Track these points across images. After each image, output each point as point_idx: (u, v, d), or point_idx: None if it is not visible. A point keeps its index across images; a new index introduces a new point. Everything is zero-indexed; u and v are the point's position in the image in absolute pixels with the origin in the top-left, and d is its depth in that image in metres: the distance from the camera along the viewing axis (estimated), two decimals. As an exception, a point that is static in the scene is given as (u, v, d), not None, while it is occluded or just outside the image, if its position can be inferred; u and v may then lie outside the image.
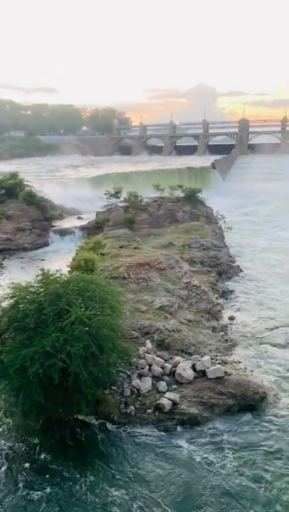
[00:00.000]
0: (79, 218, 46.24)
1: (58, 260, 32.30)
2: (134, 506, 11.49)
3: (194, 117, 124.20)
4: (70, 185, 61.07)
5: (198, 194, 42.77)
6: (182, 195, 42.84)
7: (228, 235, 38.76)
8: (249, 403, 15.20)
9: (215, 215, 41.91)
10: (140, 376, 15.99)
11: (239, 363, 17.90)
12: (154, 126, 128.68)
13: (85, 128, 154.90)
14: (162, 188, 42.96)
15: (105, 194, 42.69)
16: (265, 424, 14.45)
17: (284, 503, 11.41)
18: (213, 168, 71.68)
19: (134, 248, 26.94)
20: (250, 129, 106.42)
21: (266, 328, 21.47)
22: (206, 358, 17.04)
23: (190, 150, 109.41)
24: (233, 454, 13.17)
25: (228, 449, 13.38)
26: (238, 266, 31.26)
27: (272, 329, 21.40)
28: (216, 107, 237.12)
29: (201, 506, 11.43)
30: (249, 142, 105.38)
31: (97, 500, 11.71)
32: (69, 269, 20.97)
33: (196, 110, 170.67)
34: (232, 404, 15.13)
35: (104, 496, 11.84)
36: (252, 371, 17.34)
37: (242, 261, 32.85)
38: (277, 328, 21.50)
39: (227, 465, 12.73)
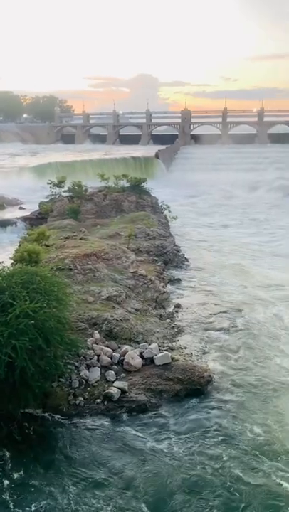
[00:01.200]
0: (21, 209, 44.81)
1: (0, 253, 31.23)
2: (86, 497, 11.53)
3: (137, 107, 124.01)
4: (10, 174, 58.93)
5: (143, 184, 43.00)
6: (127, 185, 42.88)
7: (173, 225, 39.43)
8: (196, 387, 15.68)
9: (160, 204, 42.45)
10: (88, 367, 15.98)
11: (185, 348, 18.38)
12: (97, 114, 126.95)
13: (25, 115, 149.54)
14: (107, 178, 42.69)
15: (48, 184, 41.74)
16: (211, 407, 14.99)
17: (229, 485, 11.85)
18: (157, 158, 72.18)
19: (80, 239, 26.64)
20: (193, 120, 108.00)
21: (211, 314, 22.17)
22: (154, 345, 17.33)
23: (134, 139, 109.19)
24: (180, 438, 13.54)
25: (176, 433, 13.74)
26: (184, 255, 31.89)
27: (216, 314, 22.13)
28: (158, 96, 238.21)
29: (151, 493, 11.67)
30: (191, 133, 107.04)
31: (47, 492, 11.62)
32: (12, 261, 20.38)
33: (138, 99, 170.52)
34: (179, 390, 15.54)
35: (55, 487, 11.77)
36: (198, 356, 17.89)
37: (187, 250, 33.52)
38: (222, 313, 22.26)
39: (175, 450, 13.06)
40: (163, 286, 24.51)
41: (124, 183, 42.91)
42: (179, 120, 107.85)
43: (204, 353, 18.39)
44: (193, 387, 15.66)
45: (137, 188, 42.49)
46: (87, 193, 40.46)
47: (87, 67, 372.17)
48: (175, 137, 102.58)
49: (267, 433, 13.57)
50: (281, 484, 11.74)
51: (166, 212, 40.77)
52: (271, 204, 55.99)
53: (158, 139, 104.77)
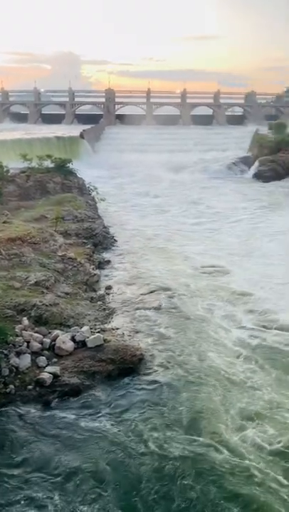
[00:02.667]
0: None
1: None
2: (23, 488, 11.33)
3: (59, 85, 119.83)
4: None
5: (68, 165, 41.90)
6: (52, 165, 41.52)
7: (101, 206, 39.09)
8: (128, 366, 15.95)
9: (87, 186, 41.72)
10: (18, 354, 15.55)
11: (117, 329, 18.56)
12: (17, 92, 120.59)
13: None
14: (30, 158, 40.93)
15: None
16: (143, 384, 15.36)
17: (158, 455, 12.30)
18: (82, 138, 70.60)
19: (3, 222, 25.46)
20: (117, 100, 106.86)
21: (141, 294, 22.52)
22: (85, 328, 17.27)
23: (57, 119, 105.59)
24: (113, 417, 13.75)
25: (109, 413, 13.94)
26: (113, 236, 31.87)
27: (146, 294, 22.52)
28: (80, 74, 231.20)
29: (85, 473, 11.76)
30: (116, 113, 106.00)
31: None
32: None
33: (60, 77, 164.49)
34: (112, 370, 15.72)
35: (-12, 480, 11.43)
36: (130, 336, 18.15)
37: (116, 231, 33.52)
38: (151, 293, 22.70)
39: (108, 429, 13.25)
40: (93, 269, 24.36)
41: (48, 163, 41.47)
42: (103, 99, 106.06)
43: (136, 332, 18.70)
44: (126, 367, 15.92)
45: (62, 168, 41.29)
46: (9, 174, 38.55)
47: (6, 42, 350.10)
48: (100, 117, 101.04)
49: (193, 407, 14.13)
50: (202, 454, 12.28)
51: (93, 193, 40.23)
52: (197, 185, 57.42)
53: (82, 119, 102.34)
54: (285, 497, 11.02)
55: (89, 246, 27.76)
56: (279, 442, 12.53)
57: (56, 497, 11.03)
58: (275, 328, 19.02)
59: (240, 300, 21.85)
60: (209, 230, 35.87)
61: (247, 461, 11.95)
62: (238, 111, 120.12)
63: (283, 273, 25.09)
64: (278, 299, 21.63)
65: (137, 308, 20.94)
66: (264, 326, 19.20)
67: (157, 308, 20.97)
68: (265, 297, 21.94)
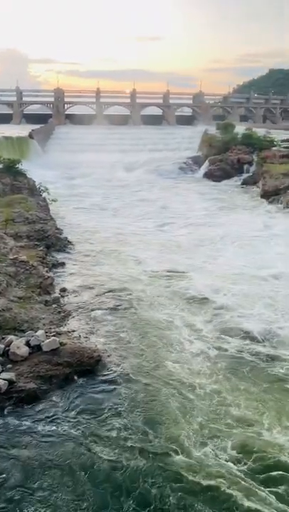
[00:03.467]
0: None
1: None
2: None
3: (6, 83, 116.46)
4: None
5: (17, 165, 40.93)
6: (0, 166, 40.39)
7: (53, 207, 38.51)
8: (86, 368, 15.83)
9: (38, 186, 40.95)
10: None
11: (74, 331, 18.36)
12: None
13: None
14: (-24, 160, 39.61)
15: None
16: (101, 385, 15.29)
17: (113, 457, 12.22)
18: (31, 138, 69.10)
19: None
20: (66, 99, 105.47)
21: (96, 296, 22.40)
22: (40, 332, 16.95)
23: (4, 118, 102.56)
24: (71, 420, 13.57)
25: (67, 416, 13.73)
26: (66, 238, 31.45)
27: (102, 295, 22.44)
28: (28, 74, 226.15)
29: (44, 483, 11.53)
30: (66, 112, 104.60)
31: None
32: None
33: (6, 76, 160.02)
34: (69, 373, 15.53)
35: None
36: (86, 338, 18.02)
37: (69, 233, 33.10)
38: (107, 294, 22.64)
39: (66, 432, 13.05)
40: (46, 271, 23.92)
41: (-4, 164, 40.30)
42: (52, 99, 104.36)
43: (92, 334, 18.59)
44: (83, 369, 15.79)
45: (11, 169, 40.27)
46: None
47: None
48: (49, 116, 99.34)
49: (150, 409, 14.15)
50: (157, 457, 12.29)
51: (45, 194, 39.52)
52: (150, 185, 57.91)
53: (31, 118, 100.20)
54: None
55: (41, 248, 27.24)
56: (239, 453, 12.50)
57: (10, 506, 10.76)
58: (236, 336, 18.76)
59: (199, 306, 21.36)
60: (167, 231, 35.82)
61: (203, 467, 11.94)
62: (187, 111, 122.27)
63: (247, 277, 25.19)
64: (239, 306, 21.35)
65: (93, 310, 20.81)
66: (223, 332, 19.04)
67: (113, 309, 20.96)
68: (226, 304, 21.60)
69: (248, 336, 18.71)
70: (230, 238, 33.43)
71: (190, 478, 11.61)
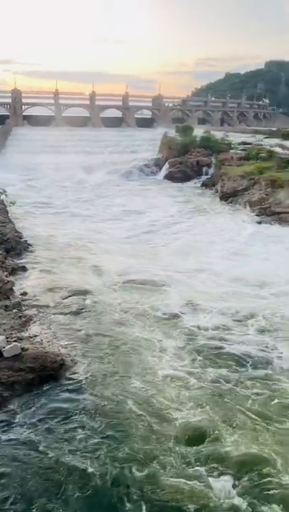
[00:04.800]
0: None
1: None
2: None
3: None
4: None
5: (-26, 168, 39.80)
6: None
7: (12, 210, 37.69)
8: (49, 373, 15.60)
9: (-5, 189, 39.97)
10: None
11: (36, 336, 18.03)
12: None
13: None
14: None
15: None
16: (65, 390, 15.13)
17: (75, 463, 12.06)
18: (-12, 139, 67.41)
19: None
20: (24, 100, 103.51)
21: (58, 299, 22.10)
22: (1, 338, 16.53)
23: None
24: (33, 426, 13.32)
25: (30, 423, 13.47)
26: (26, 241, 30.82)
27: (63, 299, 22.17)
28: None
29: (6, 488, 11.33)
30: (24, 113, 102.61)
31: None
32: None
33: None
34: (32, 378, 15.26)
35: None
36: (49, 342, 17.75)
37: (29, 236, 32.41)
38: (69, 297, 22.39)
39: (27, 440, 12.81)
40: (6, 276, 23.39)
41: None
42: (9, 100, 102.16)
43: (55, 338, 18.33)
44: (47, 374, 15.55)
45: None
46: None
47: None
48: (6, 118, 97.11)
49: (113, 414, 14.07)
50: (119, 463, 12.15)
51: (2, 196, 38.65)
52: (111, 187, 57.85)
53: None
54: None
55: (0, 252, 26.59)
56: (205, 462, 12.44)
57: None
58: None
59: (166, 321, 20.44)
60: (130, 234, 35.51)
61: (162, 478, 11.78)
62: (147, 114, 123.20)
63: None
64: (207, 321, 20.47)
65: (55, 314, 20.53)
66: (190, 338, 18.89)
67: (76, 313, 20.77)
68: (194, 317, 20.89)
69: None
70: (207, 245, 32.57)
71: (147, 489, 11.40)
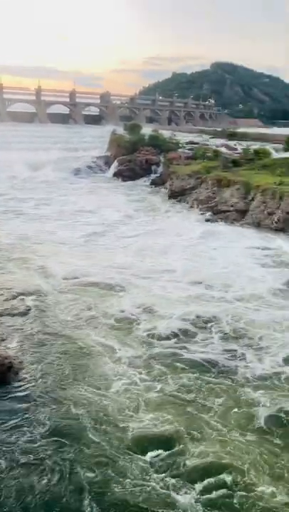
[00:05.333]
0: None
1: None
2: None
3: None
4: None
5: None
6: None
7: None
8: (-4, 377, 15.08)
9: None
10: None
11: (-19, 339, 17.38)
12: None
13: None
14: None
15: None
16: (13, 393, 14.68)
17: (17, 477, 11.60)
18: None
19: None
20: (5, 96, 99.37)
21: (5, 300, 21.41)
22: None
23: None
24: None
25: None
26: None
27: (10, 300, 21.49)
28: None
29: None
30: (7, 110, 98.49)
31: None
32: None
33: None
34: (-22, 384, 14.68)
35: None
36: (-5, 345, 17.15)
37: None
38: (15, 298, 21.73)
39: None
40: None
41: None
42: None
43: (2, 340, 17.75)
44: (-6, 377, 15.02)
45: None
46: None
47: None
48: None
49: (67, 414, 13.85)
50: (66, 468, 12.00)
51: None
52: (61, 185, 56.81)
53: None
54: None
55: None
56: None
57: None
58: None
59: (120, 326, 19.83)
60: (82, 234, 34.46)
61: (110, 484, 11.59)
62: (95, 111, 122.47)
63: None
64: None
65: (1, 315, 19.87)
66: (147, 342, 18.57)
67: (24, 313, 20.22)
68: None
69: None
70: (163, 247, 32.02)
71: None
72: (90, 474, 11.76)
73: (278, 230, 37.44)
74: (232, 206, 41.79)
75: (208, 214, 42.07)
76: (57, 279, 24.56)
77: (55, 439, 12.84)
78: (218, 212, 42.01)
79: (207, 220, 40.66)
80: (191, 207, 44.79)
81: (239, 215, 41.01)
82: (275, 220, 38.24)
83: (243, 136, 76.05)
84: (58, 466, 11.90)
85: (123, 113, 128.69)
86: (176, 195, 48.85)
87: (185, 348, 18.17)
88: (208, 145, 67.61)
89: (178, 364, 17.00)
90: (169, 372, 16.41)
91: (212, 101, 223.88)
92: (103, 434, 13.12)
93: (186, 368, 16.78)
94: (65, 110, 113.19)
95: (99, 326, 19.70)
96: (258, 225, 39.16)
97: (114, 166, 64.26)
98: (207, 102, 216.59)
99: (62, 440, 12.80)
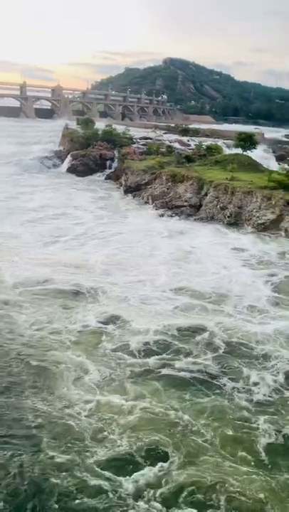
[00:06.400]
0: None
1: None
2: None
3: None
4: None
5: None
6: None
7: None
8: None
9: None
10: None
11: None
12: None
13: None
14: None
15: None
16: None
17: None
18: None
19: None
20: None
21: None
22: None
23: None
24: None
25: None
26: None
27: None
28: None
29: None
30: None
31: None
32: None
33: None
34: None
35: None
36: None
37: None
38: None
39: None
40: None
41: None
42: None
43: None
44: None
45: None
46: None
47: None
48: None
49: (28, 433, 13.29)
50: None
51: None
52: (12, 180, 55.11)
53: None
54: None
55: None
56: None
57: None
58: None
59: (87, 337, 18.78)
60: (33, 230, 33.78)
61: None
62: (46, 104, 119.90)
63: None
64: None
65: None
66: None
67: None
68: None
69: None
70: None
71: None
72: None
73: (230, 224, 38.65)
74: (186, 201, 42.57)
75: (162, 209, 42.59)
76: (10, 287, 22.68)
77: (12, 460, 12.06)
78: (172, 208, 42.64)
79: (162, 215, 41.18)
80: (146, 202, 45.13)
81: (193, 210, 41.87)
82: (228, 214, 39.41)
83: (196, 132, 77.33)
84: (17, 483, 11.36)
85: (76, 107, 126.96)
86: (131, 190, 49.01)
87: (166, 362, 17.24)
88: (161, 140, 68.16)
89: (152, 378, 16.17)
90: (139, 388, 15.50)
91: (165, 97, 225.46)
92: (66, 455, 12.37)
93: (166, 383, 16.01)
94: (16, 103, 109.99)
95: (63, 338, 18.27)
96: (211, 219, 40.17)
97: (67, 161, 63.29)
98: (160, 98, 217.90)
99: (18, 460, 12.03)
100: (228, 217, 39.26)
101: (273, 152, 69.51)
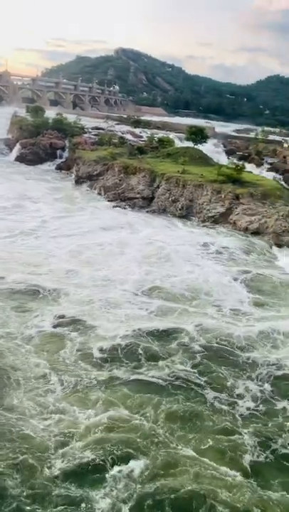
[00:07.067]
0: None
1: None
2: None
3: None
4: None
5: None
6: None
7: None
8: None
9: None
10: None
11: None
12: None
13: None
14: None
15: None
16: None
17: None
18: None
19: None
20: None
21: None
22: None
23: None
24: None
25: None
26: None
27: None
28: None
29: None
30: None
31: None
32: None
33: None
34: None
35: None
36: None
37: None
38: None
39: None
40: None
41: None
42: None
43: None
44: None
45: None
46: None
47: None
48: None
49: None
50: None
51: None
52: None
53: None
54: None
55: None
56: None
57: None
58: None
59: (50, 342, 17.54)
60: None
61: None
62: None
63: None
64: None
65: None
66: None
67: None
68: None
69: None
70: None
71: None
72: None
73: (182, 216, 39.18)
74: (139, 193, 42.56)
75: (115, 201, 42.36)
76: None
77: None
78: (125, 199, 42.51)
79: (115, 207, 40.95)
80: (99, 193, 44.67)
81: (146, 202, 41.98)
82: (179, 207, 39.88)
83: (148, 124, 77.48)
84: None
85: (25, 94, 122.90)
86: (83, 181, 48.29)
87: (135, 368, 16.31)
88: (113, 131, 67.58)
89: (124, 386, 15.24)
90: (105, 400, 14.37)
91: (116, 87, 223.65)
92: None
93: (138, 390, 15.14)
94: None
95: (25, 342, 17.01)
96: (163, 211, 40.49)
97: (16, 150, 61.18)
98: (112, 88, 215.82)
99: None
100: (180, 209, 39.74)
101: (224, 146, 71.00)
